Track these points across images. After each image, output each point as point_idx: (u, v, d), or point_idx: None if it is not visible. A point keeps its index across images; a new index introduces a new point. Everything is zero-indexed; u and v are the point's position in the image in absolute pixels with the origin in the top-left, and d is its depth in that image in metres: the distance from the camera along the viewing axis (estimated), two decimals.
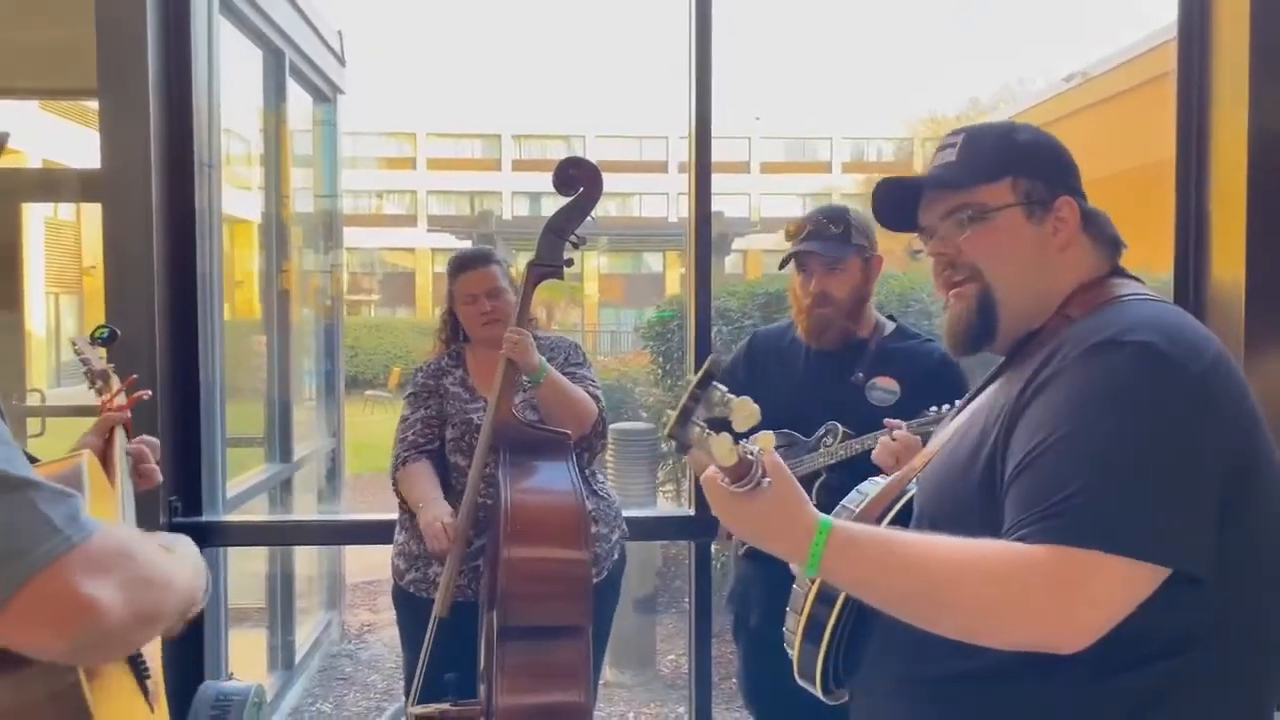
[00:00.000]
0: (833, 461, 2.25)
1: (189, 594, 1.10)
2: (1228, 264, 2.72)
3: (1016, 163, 1.30)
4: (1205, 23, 2.85)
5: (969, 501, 1.17)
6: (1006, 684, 1.14)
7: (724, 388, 1.17)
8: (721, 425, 1.14)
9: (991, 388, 1.31)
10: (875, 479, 1.49)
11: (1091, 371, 1.12)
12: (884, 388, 2.32)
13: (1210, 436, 1.09)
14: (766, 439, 1.16)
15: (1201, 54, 2.86)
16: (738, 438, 1.14)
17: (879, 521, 1.35)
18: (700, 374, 1.20)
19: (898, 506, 1.36)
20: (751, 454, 1.15)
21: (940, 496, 1.26)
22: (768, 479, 1.16)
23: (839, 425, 2.27)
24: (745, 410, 1.13)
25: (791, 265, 2.43)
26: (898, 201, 1.38)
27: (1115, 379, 1.11)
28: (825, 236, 2.35)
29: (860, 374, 2.34)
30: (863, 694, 1.34)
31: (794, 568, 1.31)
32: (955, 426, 1.32)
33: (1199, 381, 1.10)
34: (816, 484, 2.23)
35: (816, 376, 2.40)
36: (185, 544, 1.18)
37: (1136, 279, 1.31)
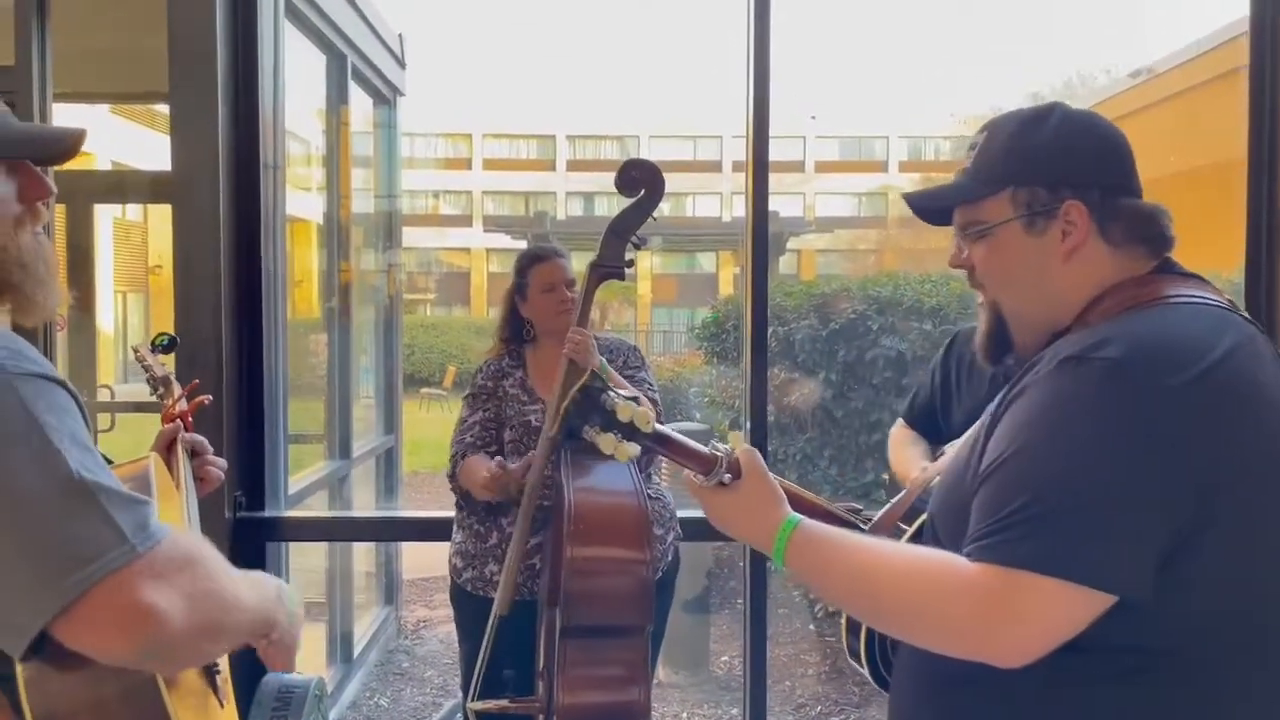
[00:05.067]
0: None
1: (261, 614, 1.10)
2: None
3: (1017, 170, 1.24)
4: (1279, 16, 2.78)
5: (963, 509, 1.17)
6: (1005, 685, 1.12)
7: (613, 393, 1.26)
8: (623, 427, 1.25)
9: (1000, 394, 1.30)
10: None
11: (1053, 388, 1.11)
12: None
13: (1167, 461, 1.05)
14: (735, 438, 1.32)
15: (1275, 48, 2.79)
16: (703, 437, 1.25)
17: (899, 529, 1.42)
18: (581, 384, 1.28)
19: (924, 517, 1.38)
20: (718, 451, 1.27)
21: (943, 504, 1.27)
22: (729, 475, 1.26)
23: None
24: (628, 413, 1.24)
25: None
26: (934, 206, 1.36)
27: (1070, 398, 1.09)
28: None
29: None
30: (897, 682, 1.35)
31: None
32: (966, 435, 1.32)
33: (1163, 402, 1.06)
34: None
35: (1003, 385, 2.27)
36: (264, 575, 1.19)
37: (1193, 276, 1.24)
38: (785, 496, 1.28)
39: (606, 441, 1.24)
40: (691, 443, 1.29)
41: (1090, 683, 1.10)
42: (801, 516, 1.24)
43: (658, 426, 1.27)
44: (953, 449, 1.44)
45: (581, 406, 1.25)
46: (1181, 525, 1.05)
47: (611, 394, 1.24)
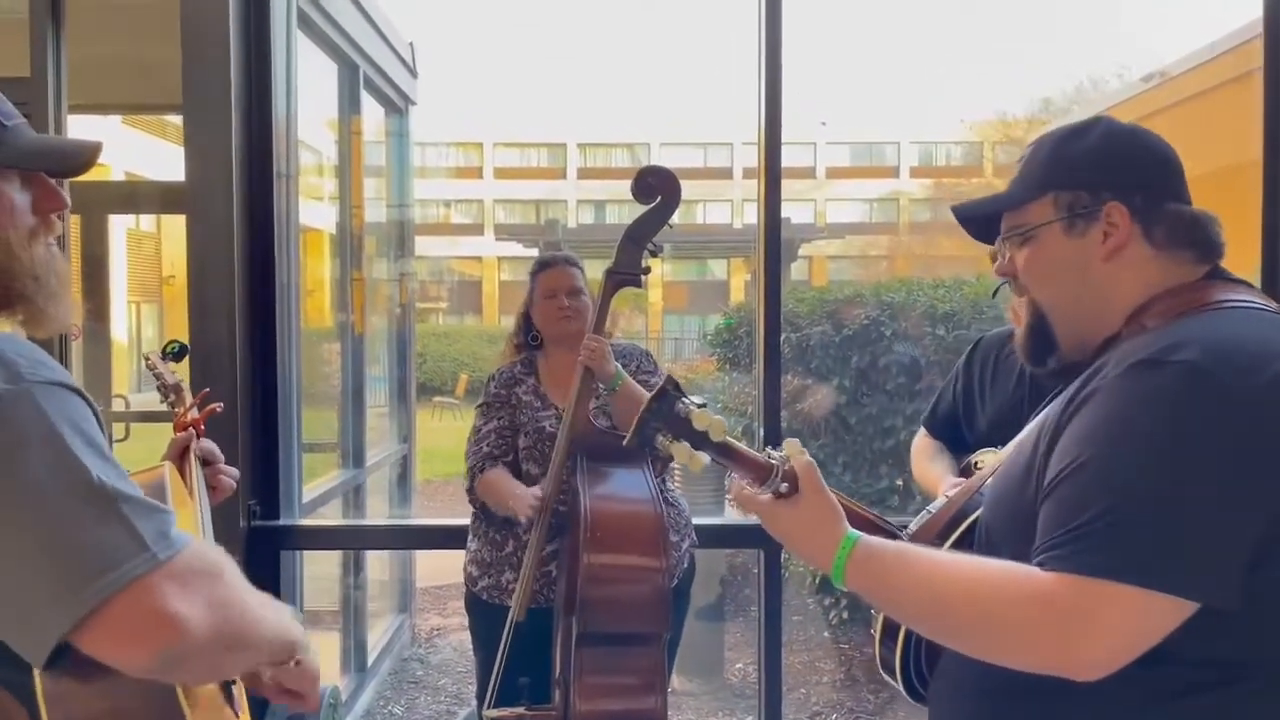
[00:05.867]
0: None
1: (281, 633, 1.09)
2: None
3: (1058, 175, 1.26)
4: None
5: (1023, 516, 1.15)
6: (1061, 699, 1.11)
7: (687, 401, 1.23)
8: (696, 435, 1.23)
9: (1058, 399, 1.29)
10: (947, 495, 1.50)
11: (1125, 393, 1.09)
12: None
13: (1250, 464, 1.03)
14: (792, 445, 1.25)
15: None
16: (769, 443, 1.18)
17: (942, 536, 1.38)
18: (656, 391, 1.26)
19: (969, 520, 1.36)
20: (774, 459, 1.23)
21: (998, 511, 1.25)
22: (785, 484, 1.22)
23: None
24: (705, 421, 1.21)
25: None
26: (982, 217, 1.37)
27: (1147, 402, 1.07)
28: None
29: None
30: (937, 696, 1.34)
31: None
32: (1020, 439, 1.30)
33: (1244, 405, 1.04)
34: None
35: (1032, 392, 2.16)
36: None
37: (1241, 282, 1.23)
38: (844, 512, 1.24)
39: (681, 451, 1.22)
40: (750, 451, 1.28)
41: (1153, 699, 1.08)
42: (860, 532, 1.21)
43: (725, 436, 1.25)
44: (983, 457, 1.42)
45: (654, 414, 1.22)
46: (1269, 529, 1.03)
47: (686, 402, 1.22)
